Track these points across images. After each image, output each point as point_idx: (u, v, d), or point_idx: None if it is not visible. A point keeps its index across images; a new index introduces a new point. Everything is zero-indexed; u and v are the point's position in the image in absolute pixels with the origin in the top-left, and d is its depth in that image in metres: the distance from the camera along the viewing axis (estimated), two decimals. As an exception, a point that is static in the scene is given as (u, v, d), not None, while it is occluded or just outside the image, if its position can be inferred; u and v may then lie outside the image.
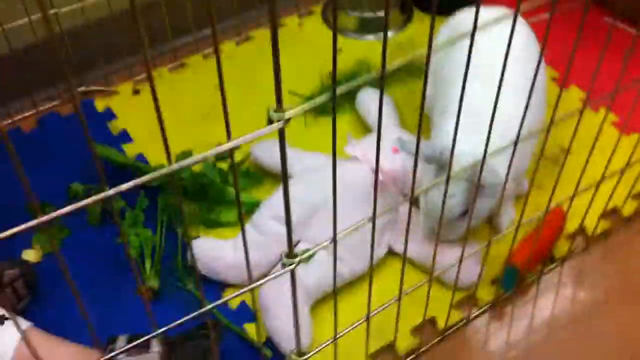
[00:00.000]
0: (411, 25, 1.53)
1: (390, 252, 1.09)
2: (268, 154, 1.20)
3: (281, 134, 0.52)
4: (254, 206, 1.12)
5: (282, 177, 0.58)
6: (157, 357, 0.88)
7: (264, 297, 0.99)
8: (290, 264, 0.64)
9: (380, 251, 1.08)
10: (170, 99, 1.33)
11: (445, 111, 1.06)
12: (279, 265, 0.66)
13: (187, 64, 1.44)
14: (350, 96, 1.30)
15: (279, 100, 0.50)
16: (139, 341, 0.64)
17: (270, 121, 0.50)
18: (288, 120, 0.50)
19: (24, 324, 0.90)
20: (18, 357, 0.86)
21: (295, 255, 0.64)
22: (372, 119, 1.25)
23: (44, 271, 1.07)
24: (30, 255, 1.08)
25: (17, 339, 0.87)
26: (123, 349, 0.65)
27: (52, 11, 1.25)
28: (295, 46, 1.45)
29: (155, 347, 0.89)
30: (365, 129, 1.27)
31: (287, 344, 0.95)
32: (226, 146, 0.53)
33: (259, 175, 1.20)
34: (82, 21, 1.29)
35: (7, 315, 0.88)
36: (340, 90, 0.55)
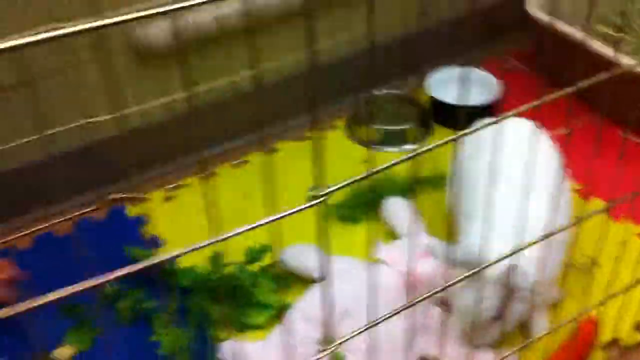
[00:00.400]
0: (431, 138, 1.59)
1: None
2: (297, 259, 1.22)
3: (320, 209, 0.55)
4: (282, 309, 1.14)
5: (320, 258, 0.61)
6: None
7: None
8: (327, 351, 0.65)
9: (413, 358, 1.08)
10: (201, 206, 1.37)
11: (472, 216, 1.10)
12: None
13: (216, 173, 1.50)
14: (374, 206, 1.35)
15: (319, 177, 0.54)
16: None
17: (310, 199, 0.54)
18: (326, 196, 0.54)
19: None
20: None
21: (332, 342, 0.66)
22: (399, 226, 1.29)
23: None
24: (62, 353, 1.09)
25: None
26: None
27: (89, 120, 1.33)
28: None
29: None
30: (391, 236, 1.30)
31: None
32: (265, 221, 0.57)
33: (287, 279, 1.22)
34: (116, 131, 1.36)
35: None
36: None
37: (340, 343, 0.68)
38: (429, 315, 1.10)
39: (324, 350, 0.65)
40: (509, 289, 0.95)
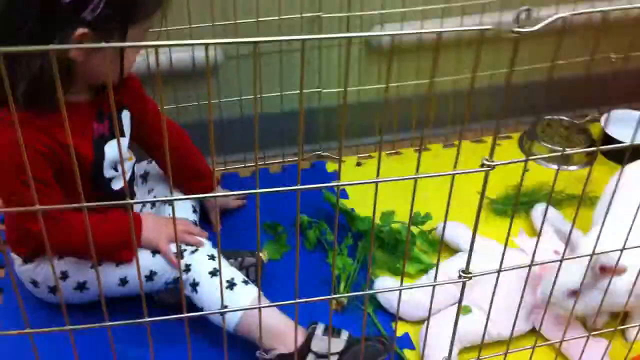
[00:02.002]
0: (593, 166, 1.78)
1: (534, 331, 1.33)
2: (449, 232, 1.50)
3: (486, 175, 0.83)
4: (430, 266, 1.43)
5: (477, 214, 0.89)
6: (344, 342, 1.20)
7: (425, 333, 1.27)
8: (465, 278, 0.93)
9: (525, 326, 1.32)
10: (381, 176, 1.70)
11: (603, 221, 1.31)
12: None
13: (402, 153, 1.81)
14: (528, 206, 1.59)
15: (492, 151, 0.81)
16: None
17: (482, 166, 0.82)
18: (494, 167, 0.81)
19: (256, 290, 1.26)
20: (245, 317, 1.21)
21: (470, 273, 0.94)
22: (543, 228, 1.53)
23: (268, 269, 1.45)
24: (263, 254, 1.46)
25: (250, 301, 1.22)
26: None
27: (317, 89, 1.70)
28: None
29: (344, 335, 1.21)
30: (535, 233, 1.54)
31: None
32: (448, 172, 0.85)
33: (438, 244, 1.50)
34: (341, 102, 1.72)
35: (248, 280, 1.25)
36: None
37: (471, 277, 0.95)
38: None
39: (464, 276, 0.93)
40: (594, 274, 1.16)
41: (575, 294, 1.21)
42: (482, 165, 0.84)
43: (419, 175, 0.87)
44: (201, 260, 1.27)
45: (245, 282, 1.25)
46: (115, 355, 0.85)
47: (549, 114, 1.90)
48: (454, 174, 0.84)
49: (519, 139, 1.87)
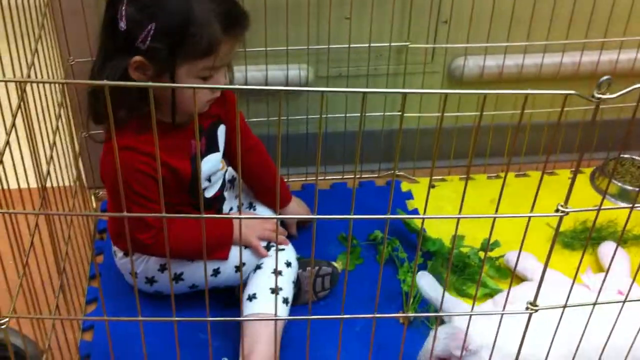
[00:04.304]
0: (664, 207, 1.82)
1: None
2: (518, 261, 1.57)
3: (560, 220, 0.91)
4: (495, 291, 1.51)
5: (547, 256, 0.97)
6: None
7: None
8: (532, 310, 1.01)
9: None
10: (453, 199, 1.78)
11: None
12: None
13: (473, 179, 1.89)
14: (595, 242, 1.64)
15: (566, 200, 0.89)
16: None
17: (557, 211, 0.90)
18: (567, 213, 0.89)
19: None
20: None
21: (537, 306, 1.01)
22: (608, 265, 1.58)
23: (341, 279, 1.55)
24: (337, 265, 1.57)
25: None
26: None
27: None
28: (560, 192, 1.82)
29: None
30: (601, 269, 1.59)
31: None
32: (524, 214, 0.93)
33: (507, 272, 1.58)
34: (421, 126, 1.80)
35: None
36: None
37: (538, 309, 1.02)
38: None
39: (531, 308, 1.01)
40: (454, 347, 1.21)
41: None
42: (557, 210, 0.93)
43: (497, 215, 0.95)
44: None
45: (285, 302, 1.38)
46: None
47: (622, 152, 1.94)
48: (530, 217, 0.93)
49: (591, 175, 1.92)
